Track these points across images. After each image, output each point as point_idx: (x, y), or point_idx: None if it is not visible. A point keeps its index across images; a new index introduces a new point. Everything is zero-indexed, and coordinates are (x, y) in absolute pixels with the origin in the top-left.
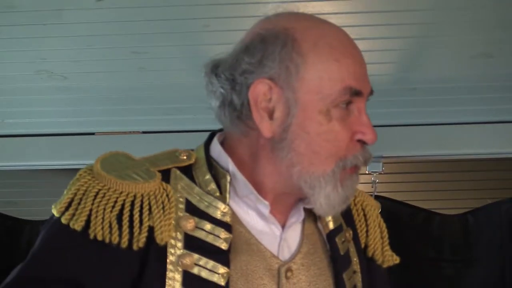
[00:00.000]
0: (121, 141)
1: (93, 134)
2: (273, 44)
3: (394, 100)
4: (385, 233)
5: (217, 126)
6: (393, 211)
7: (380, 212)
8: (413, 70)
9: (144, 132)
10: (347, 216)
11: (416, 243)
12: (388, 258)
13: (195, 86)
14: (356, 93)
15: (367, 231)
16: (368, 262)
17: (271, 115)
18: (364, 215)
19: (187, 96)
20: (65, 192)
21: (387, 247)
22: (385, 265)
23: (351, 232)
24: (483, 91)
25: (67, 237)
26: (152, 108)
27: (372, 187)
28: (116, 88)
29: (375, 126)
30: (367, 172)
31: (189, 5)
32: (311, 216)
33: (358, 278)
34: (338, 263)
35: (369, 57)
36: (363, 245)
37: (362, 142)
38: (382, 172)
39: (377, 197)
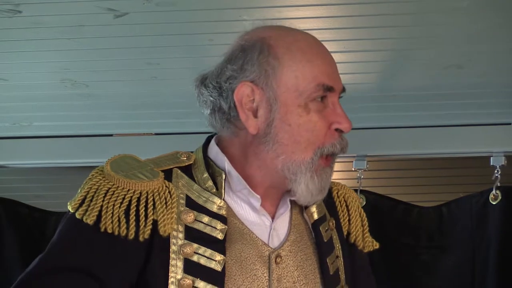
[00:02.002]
0: (135, 142)
1: (111, 135)
2: (252, 51)
3: (376, 105)
4: (366, 222)
5: None
6: (376, 204)
7: (364, 205)
8: (393, 79)
9: (156, 134)
10: (330, 207)
11: (396, 232)
12: (369, 244)
13: None
14: (329, 89)
15: (349, 220)
16: (350, 248)
17: (255, 113)
18: (347, 206)
19: (193, 102)
20: (79, 191)
21: (367, 234)
22: (366, 250)
23: (334, 221)
24: (455, 98)
25: (81, 230)
26: (163, 112)
27: (358, 182)
28: (132, 95)
29: (360, 128)
30: (353, 169)
31: (195, 21)
32: (298, 208)
33: (341, 262)
34: (322, 249)
35: (354, 68)
36: (345, 233)
37: (339, 131)
38: (367, 169)
39: (362, 192)
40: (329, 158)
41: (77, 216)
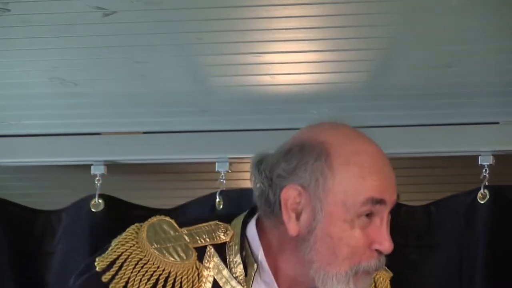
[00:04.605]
0: (124, 141)
1: (99, 134)
2: (309, 154)
3: (364, 104)
4: None
5: (210, 127)
6: None
7: None
8: (381, 79)
9: (144, 133)
10: None
11: None
12: None
13: (189, 92)
14: (378, 202)
15: None
16: None
17: (298, 216)
18: (375, 286)
19: (182, 101)
20: (110, 249)
21: None
22: None
23: None
24: (443, 97)
25: None
26: (152, 111)
27: None
28: (120, 94)
29: None
30: None
31: (183, 20)
32: None
33: None
34: None
35: (342, 67)
36: None
37: (379, 252)
38: None
39: None
40: (367, 273)
41: (103, 279)
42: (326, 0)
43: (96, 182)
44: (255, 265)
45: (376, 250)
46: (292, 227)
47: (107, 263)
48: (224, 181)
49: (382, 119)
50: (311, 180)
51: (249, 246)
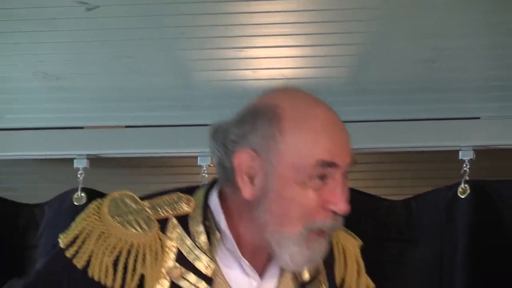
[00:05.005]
0: (106, 135)
1: (81, 128)
2: (260, 119)
3: (345, 99)
4: (362, 269)
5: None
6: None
7: None
8: (362, 73)
9: (127, 126)
10: (328, 255)
11: (367, 225)
12: (363, 286)
13: (171, 86)
14: (329, 165)
15: (345, 266)
16: None
17: (252, 180)
18: (344, 254)
19: (164, 95)
20: (72, 225)
21: (364, 278)
22: None
23: (324, 276)
24: (425, 92)
25: (69, 271)
26: (134, 105)
27: None
28: (103, 88)
29: None
30: None
31: (166, 14)
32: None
33: None
34: None
35: (324, 62)
36: (340, 280)
37: (335, 212)
38: None
39: None
40: (320, 232)
41: (67, 254)
42: None
43: (78, 175)
44: (218, 233)
45: (333, 211)
46: (247, 191)
47: (70, 239)
48: (206, 175)
49: (364, 113)
50: (263, 144)
51: (212, 215)
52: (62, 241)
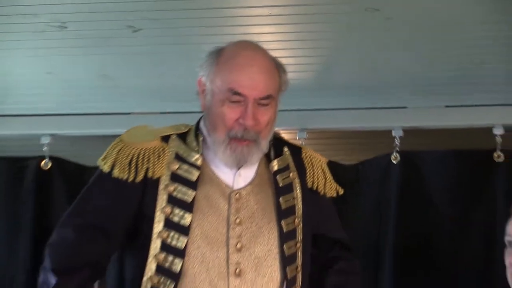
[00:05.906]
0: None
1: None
2: (210, 56)
3: (314, 94)
4: (328, 174)
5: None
6: None
7: None
8: (327, 75)
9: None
10: (300, 165)
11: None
12: (331, 190)
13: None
14: (237, 93)
15: (313, 173)
16: (313, 194)
17: (204, 97)
18: (312, 164)
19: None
20: (107, 149)
21: (330, 183)
22: (328, 195)
23: (296, 174)
24: (368, 88)
25: (100, 176)
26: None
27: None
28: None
29: (304, 110)
30: (297, 138)
31: (117, 11)
32: (265, 162)
33: (297, 202)
34: (277, 191)
35: (295, 68)
36: (311, 183)
37: (245, 126)
38: (307, 138)
39: None
40: (243, 140)
41: (98, 163)
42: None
43: None
44: (201, 137)
45: (243, 124)
46: (202, 104)
47: (103, 157)
48: None
49: (326, 104)
50: (207, 73)
51: (200, 130)
52: (99, 161)
